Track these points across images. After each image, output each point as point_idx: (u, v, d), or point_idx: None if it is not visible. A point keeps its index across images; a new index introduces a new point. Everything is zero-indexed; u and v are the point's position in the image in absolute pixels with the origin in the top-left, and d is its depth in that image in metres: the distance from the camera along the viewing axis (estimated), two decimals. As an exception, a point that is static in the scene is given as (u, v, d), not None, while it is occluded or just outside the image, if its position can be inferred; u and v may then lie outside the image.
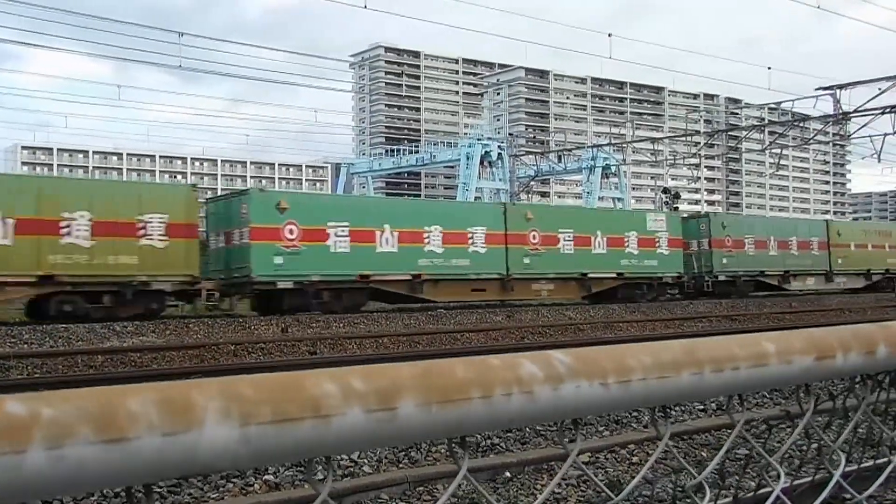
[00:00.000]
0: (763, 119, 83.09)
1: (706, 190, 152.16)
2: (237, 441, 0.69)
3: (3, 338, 15.67)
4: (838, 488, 1.40)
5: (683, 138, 48.93)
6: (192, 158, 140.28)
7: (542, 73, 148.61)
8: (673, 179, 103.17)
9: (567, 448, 0.98)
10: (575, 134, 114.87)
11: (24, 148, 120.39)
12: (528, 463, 6.78)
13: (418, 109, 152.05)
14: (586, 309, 25.46)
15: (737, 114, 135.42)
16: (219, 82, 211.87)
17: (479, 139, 54.97)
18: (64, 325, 17.89)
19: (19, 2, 35.64)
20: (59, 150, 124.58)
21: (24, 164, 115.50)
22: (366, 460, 6.71)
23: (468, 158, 51.15)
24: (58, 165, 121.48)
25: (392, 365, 0.80)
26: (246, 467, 0.77)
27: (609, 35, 45.24)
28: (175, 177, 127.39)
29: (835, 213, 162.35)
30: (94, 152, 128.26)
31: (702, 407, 9.30)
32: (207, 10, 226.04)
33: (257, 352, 14.16)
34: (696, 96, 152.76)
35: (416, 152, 64.50)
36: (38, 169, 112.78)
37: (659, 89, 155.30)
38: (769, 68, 46.26)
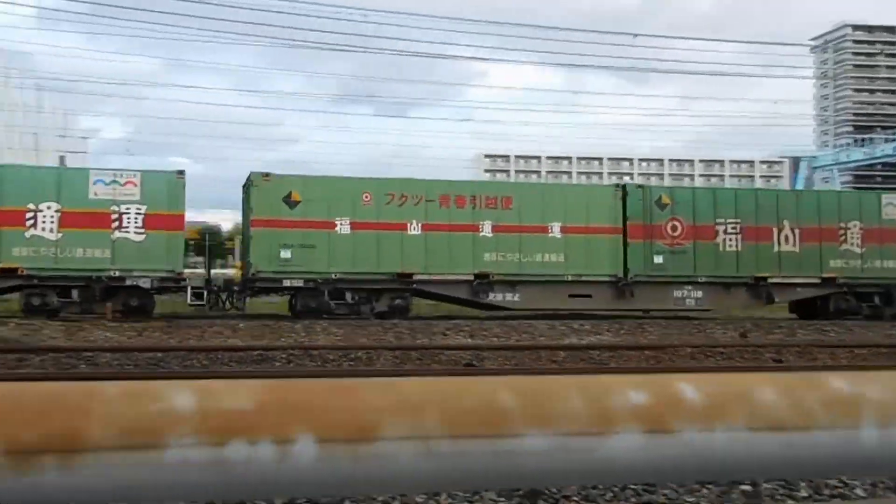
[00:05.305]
0: None
1: None
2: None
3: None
4: None
5: None
6: (638, 159, 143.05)
7: None
8: None
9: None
10: None
11: (486, 156, 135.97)
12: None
13: (895, 91, 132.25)
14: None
15: None
16: (668, 81, 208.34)
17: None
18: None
19: (484, 21, 40.68)
20: (515, 156, 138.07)
21: (486, 171, 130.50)
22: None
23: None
24: (515, 171, 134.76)
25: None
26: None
27: None
28: (622, 178, 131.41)
29: None
30: (547, 157, 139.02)
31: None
32: (656, 10, 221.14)
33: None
34: None
35: (895, 140, 56.30)
36: (496, 175, 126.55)
37: None
38: None
